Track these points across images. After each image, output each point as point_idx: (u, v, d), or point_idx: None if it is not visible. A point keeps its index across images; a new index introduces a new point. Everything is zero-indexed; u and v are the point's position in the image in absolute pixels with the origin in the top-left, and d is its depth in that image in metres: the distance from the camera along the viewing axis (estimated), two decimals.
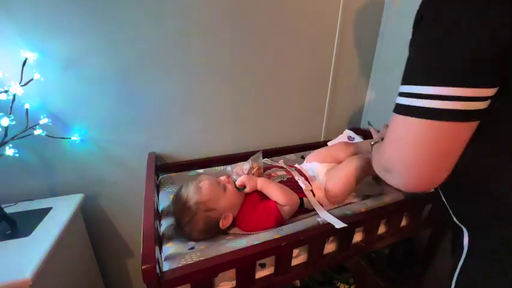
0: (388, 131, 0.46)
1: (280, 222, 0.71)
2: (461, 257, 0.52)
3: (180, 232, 0.71)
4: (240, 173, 0.85)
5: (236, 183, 0.78)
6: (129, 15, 0.81)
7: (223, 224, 0.72)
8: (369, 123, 0.96)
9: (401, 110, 0.42)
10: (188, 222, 0.69)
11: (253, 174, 0.83)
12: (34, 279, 0.60)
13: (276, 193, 0.73)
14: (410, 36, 0.43)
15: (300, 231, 0.66)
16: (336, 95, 1.25)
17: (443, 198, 0.56)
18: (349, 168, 0.81)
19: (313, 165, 0.94)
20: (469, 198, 0.49)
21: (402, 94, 0.43)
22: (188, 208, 0.69)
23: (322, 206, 0.78)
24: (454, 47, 0.36)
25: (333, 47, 1.14)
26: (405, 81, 0.42)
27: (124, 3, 0.80)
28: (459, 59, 0.35)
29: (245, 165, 0.86)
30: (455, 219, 0.55)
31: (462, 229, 0.53)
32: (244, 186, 0.77)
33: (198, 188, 0.71)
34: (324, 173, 0.89)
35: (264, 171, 0.89)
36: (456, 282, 0.53)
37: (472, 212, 0.50)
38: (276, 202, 0.72)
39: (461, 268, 0.52)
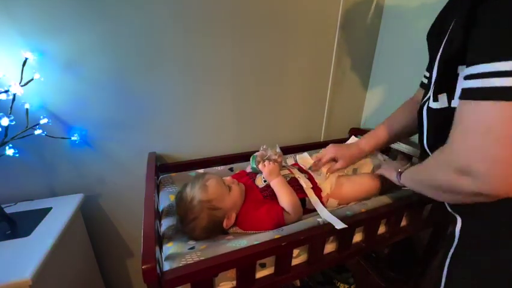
0: (457, 123, 0.39)
1: (282, 226, 0.72)
2: (452, 245, 0.53)
3: (183, 230, 0.70)
4: (271, 156, 0.86)
5: (259, 166, 0.81)
6: (129, 16, 0.81)
7: (227, 223, 0.72)
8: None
9: (474, 94, 0.36)
10: (193, 220, 0.69)
11: (276, 160, 0.85)
12: (34, 279, 0.60)
13: (285, 198, 0.73)
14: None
15: (300, 231, 0.66)
16: (336, 95, 1.25)
17: None
18: (365, 184, 0.86)
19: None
20: None
21: (472, 76, 0.36)
22: (194, 206, 0.69)
23: (324, 204, 0.79)
24: None
25: (333, 47, 1.14)
26: (477, 59, 0.35)
27: (124, 3, 0.80)
28: None
29: (268, 152, 0.88)
30: (448, 207, 0.55)
31: (456, 217, 0.54)
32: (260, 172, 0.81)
33: (205, 187, 0.71)
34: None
35: None
36: (448, 268, 0.54)
37: None
38: (282, 208, 0.72)
39: (452, 255, 0.53)
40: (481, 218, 0.49)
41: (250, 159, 0.86)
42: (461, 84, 0.40)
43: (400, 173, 0.72)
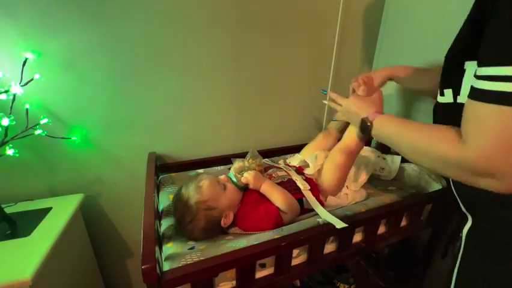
0: (477, 124, 0.38)
1: (280, 225, 0.71)
2: (460, 248, 0.53)
3: (181, 232, 0.71)
4: (239, 170, 0.84)
5: (242, 180, 0.78)
6: (129, 16, 0.81)
7: (225, 222, 0.72)
8: (323, 91, 0.93)
9: (501, 98, 0.34)
10: (190, 222, 0.69)
11: (254, 169, 0.83)
12: (34, 279, 0.60)
13: (278, 200, 0.73)
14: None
15: (300, 231, 0.66)
16: None
17: (452, 186, 0.55)
18: (336, 163, 0.79)
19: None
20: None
21: (492, 78, 0.35)
22: (190, 207, 0.69)
23: (322, 204, 0.78)
24: None
25: (333, 47, 1.14)
26: (502, 61, 0.34)
27: (124, 3, 0.80)
28: None
29: (245, 163, 0.86)
30: (462, 207, 0.54)
31: (467, 217, 0.53)
32: (247, 186, 0.77)
33: (198, 188, 0.71)
34: (313, 160, 0.90)
35: (264, 172, 0.89)
36: (457, 275, 0.53)
37: (479, 199, 0.49)
38: (277, 207, 0.72)
39: (461, 260, 0.52)
40: (494, 221, 0.48)
41: (230, 178, 0.81)
42: (473, 82, 0.39)
43: (378, 113, 0.65)
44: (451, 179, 0.54)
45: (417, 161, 0.52)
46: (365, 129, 0.66)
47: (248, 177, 0.77)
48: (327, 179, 0.82)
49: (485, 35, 0.36)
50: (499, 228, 0.47)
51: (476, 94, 0.38)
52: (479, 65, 0.37)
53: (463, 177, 0.43)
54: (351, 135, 0.78)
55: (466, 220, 0.53)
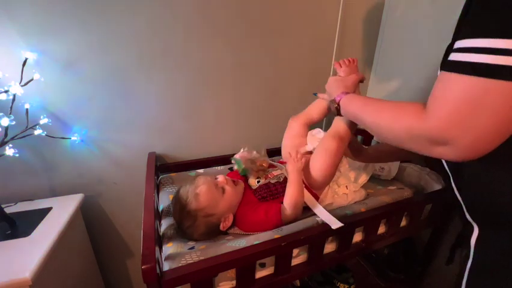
0: (440, 94, 0.38)
1: (279, 226, 0.71)
2: (469, 257, 0.50)
3: (182, 234, 0.71)
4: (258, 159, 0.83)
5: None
6: (129, 16, 0.81)
7: (224, 226, 0.72)
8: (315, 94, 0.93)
9: (465, 68, 0.34)
10: (190, 227, 0.69)
11: (264, 170, 0.82)
12: (34, 279, 0.60)
13: (294, 198, 0.70)
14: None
15: (300, 231, 0.66)
16: None
17: (456, 192, 0.52)
18: (326, 155, 0.75)
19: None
20: (489, 194, 0.45)
21: (465, 50, 0.35)
22: (187, 214, 0.69)
23: (317, 198, 0.77)
24: None
25: (333, 47, 1.14)
26: (472, 34, 0.35)
27: (124, 4, 0.80)
28: None
29: (255, 163, 0.84)
30: (467, 215, 0.51)
31: (473, 226, 0.50)
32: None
33: (196, 195, 0.70)
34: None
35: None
36: (466, 285, 0.50)
37: (488, 208, 0.46)
38: (280, 206, 0.71)
39: (469, 270, 0.49)
40: (502, 229, 0.45)
41: (234, 163, 0.80)
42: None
43: (345, 93, 0.65)
44: (453, 184, 0.52)
45: (381, 136, 0.51)
46: (336, 109, 0.66)
47: (299, 160, 0.75)
48: (317, 168, 0.76)
49: (465, 18, 0.37)
50: (508, 236, 0.44)
51: (444, 64, 0.38)
52: (456, 40, 0.38)
53: (422, 147, 0.43)
54: (338, 119, 0.77)
55: (472, 228, 0.50)
